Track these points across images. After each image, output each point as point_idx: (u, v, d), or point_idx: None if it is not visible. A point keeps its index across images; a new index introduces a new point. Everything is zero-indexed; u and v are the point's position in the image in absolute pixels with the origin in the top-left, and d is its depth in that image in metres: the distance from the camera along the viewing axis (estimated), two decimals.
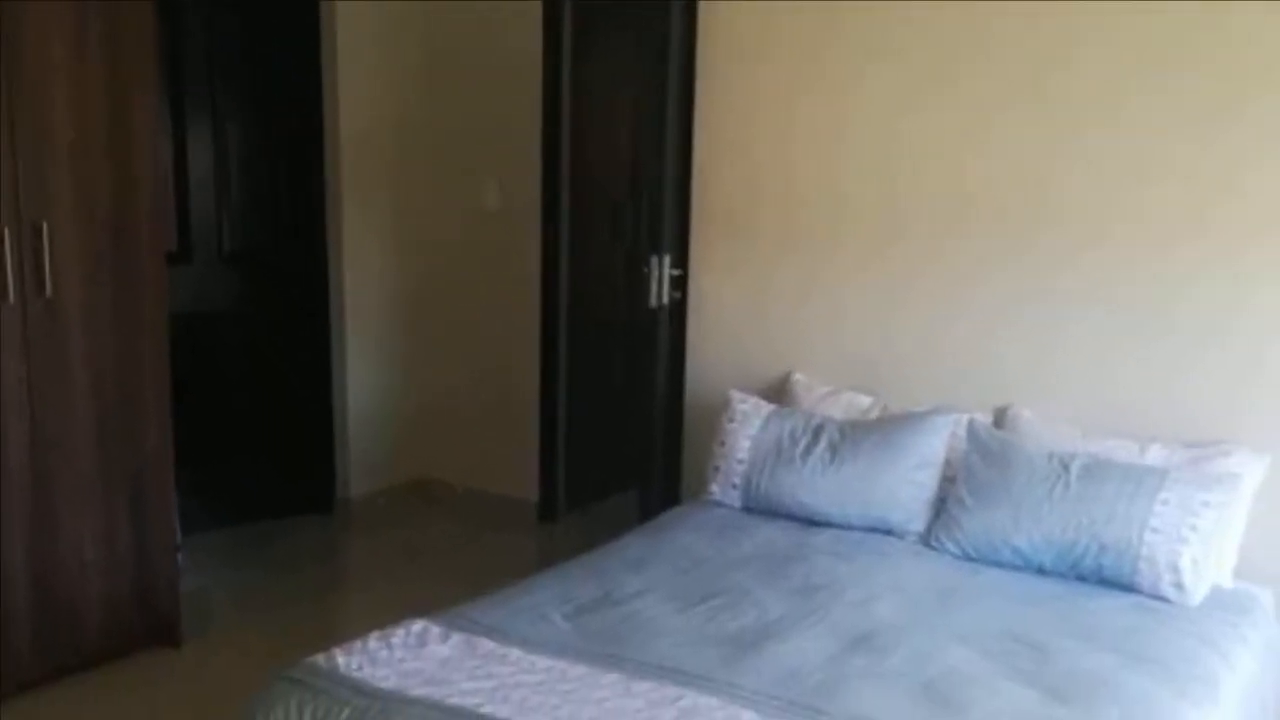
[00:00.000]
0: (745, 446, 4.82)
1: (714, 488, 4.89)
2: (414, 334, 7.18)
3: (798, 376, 5.23)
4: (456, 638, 3.42)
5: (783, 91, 5.23)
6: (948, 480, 4.57)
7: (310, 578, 6.14)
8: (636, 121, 6.54)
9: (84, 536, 4.71)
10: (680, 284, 5.49)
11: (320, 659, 3.27)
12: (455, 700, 3.04)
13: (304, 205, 6.70)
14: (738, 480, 4.82)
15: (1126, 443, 4.41)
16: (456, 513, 7.06)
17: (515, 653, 3.34)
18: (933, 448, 4.59)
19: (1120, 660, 3.45)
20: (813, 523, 4.62)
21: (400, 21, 6.83)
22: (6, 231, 4.30)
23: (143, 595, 4.95)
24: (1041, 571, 4.19)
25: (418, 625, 3.50)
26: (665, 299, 5.45)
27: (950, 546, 4.37)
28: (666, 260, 5.42)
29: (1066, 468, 4.21)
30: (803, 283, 5.26)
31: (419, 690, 3.09)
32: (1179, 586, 3.94)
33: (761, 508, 4.76)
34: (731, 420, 4.91)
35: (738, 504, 4.83)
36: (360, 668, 3.21)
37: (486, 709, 3.00)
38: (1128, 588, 4.02)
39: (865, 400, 5.00)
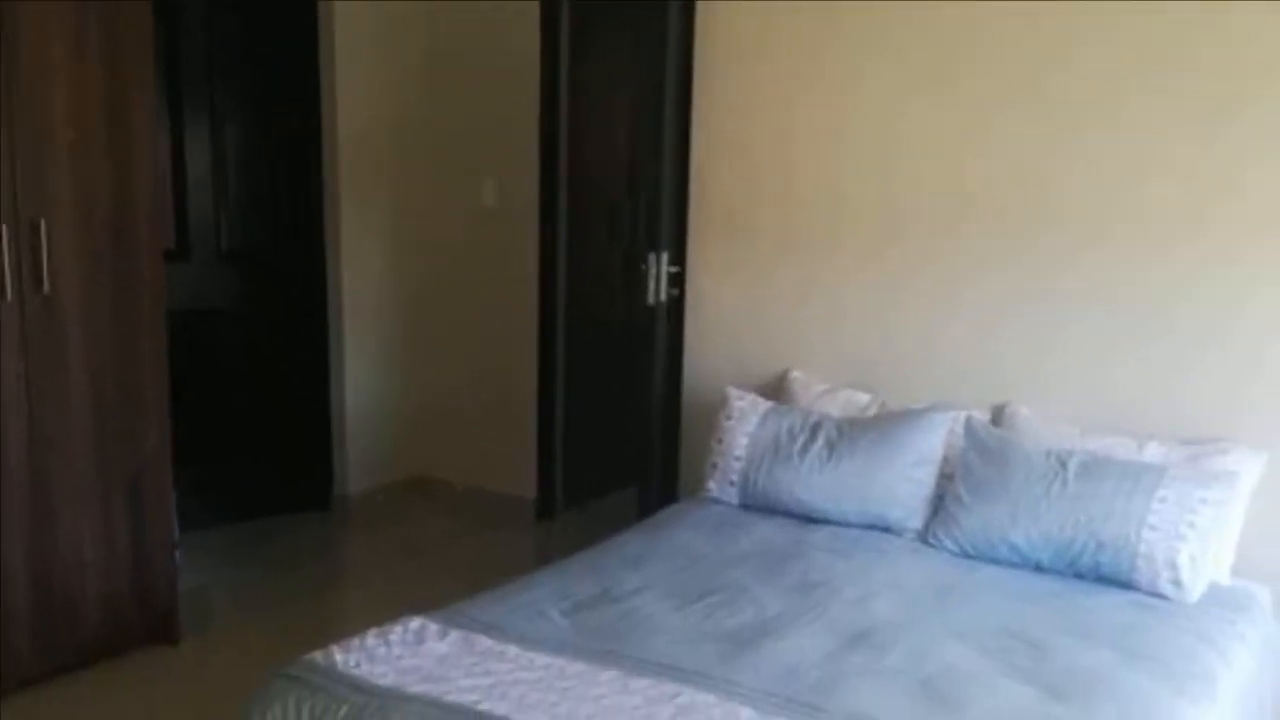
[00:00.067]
0: (743, 444, 4.82)
1: (711, 485, 4.90)
2: (412, 332, 7.18)
3: (795, 374, 5.23)
4: (454, 635, 3.42)
5: (781, 91, 5.23)
6: (945, 478, 4.57)
7: (308, 575, 6.14)
8: (634, 120, 6.54)
9: (83, 534, 4.71)
10: (678, 281, 5.49)
11: (318, 656, 3.27)
12: (453, 697, 3.04)
13: (302, 203, 6.70)
14: (735, 477, 4.82)
15: (1124, 440, 4.41)
16: (454, 510, 7.07)
17: (513, 650, 3.34)
18: (931, 445, 4.59)
19: (1118, 657, 3.45)
20: (810, 520, 4.63)
21: (398, 21, 6.83)
22: (4, 229, 4.30)
23: (141, 593, 4.95)
24: (1039, 569, 4.19)
25: (416, 622, 3.50)
26: (663, 296, 5.45)
27: (948, 544, 4.37)
28: (664, 258, 5.42)
29: (1064, 465, 4.21)
30: (801, 281, 5.27)
31: (417, 687, 3.09)
32: (1177, 584, 3.94)
33: (759, 505, 4.76)
34: (729, 417, 4.91)
35: (735, 501, 4.83)
36: (358, 665, 3.21)
37: (484, 706, 3.00)
38: (1125, 585, 4.03)
39: (863, 398, 5.00)
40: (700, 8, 5.32)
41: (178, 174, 6.18)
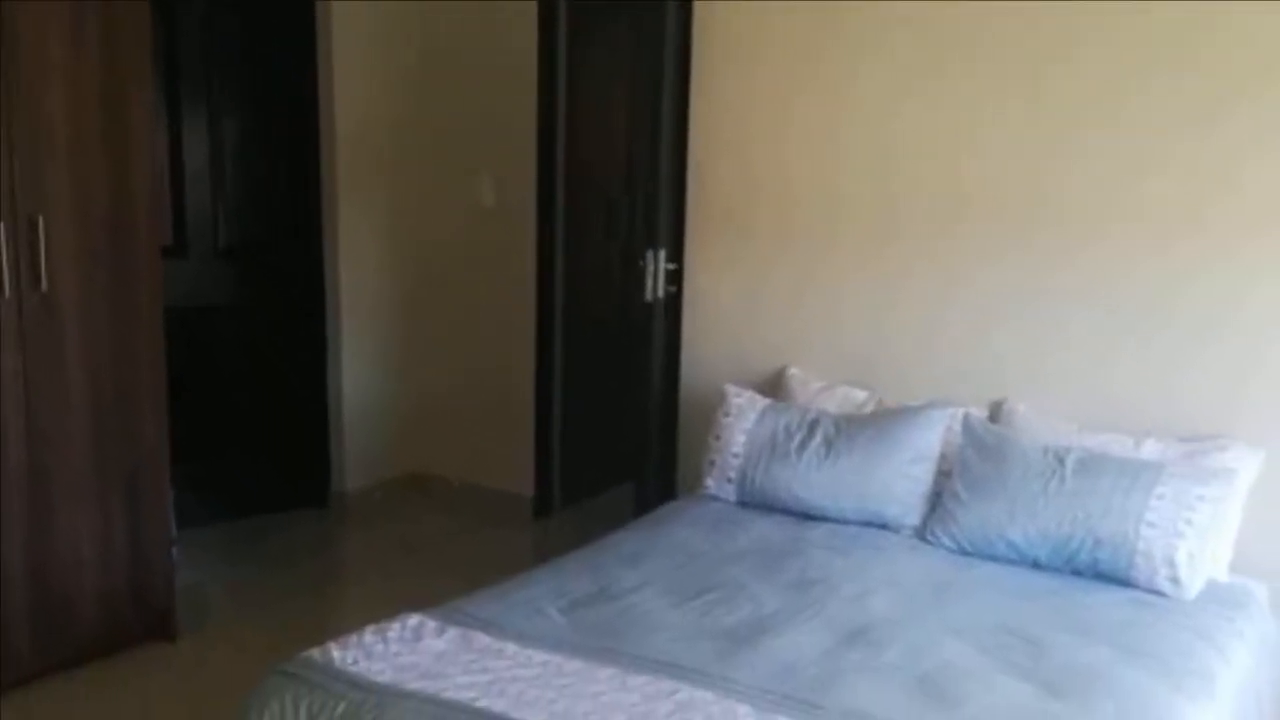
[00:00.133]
0: (740, 441, 4.82)
1: (709, 482, 4.90)
2: (410, 329, 7.18)
3: (793, 371, 5.23)
4: (452, 632, 3.42)
5: (779, 89, 5.23)
6: (943, 474, 4.57)
7: (306, 572, 6.14)
8: (632, 118, 6.53)
9: (80, 531, 4.71)
10: (675, 279, 5.48)
11: (316, 653, 3.27)
12: (451, 694, 3.04)
13: (300, 201, 6.70)
14: (733, 474, 4.82)
15: (1122, 437, 4.41)
16: (452, 507, 7.06)
17: (511, 647, 3.34)
18: (928, 442, 4.59)
19: (1116, 654, 3.45)
20: (808, 517, 4.63)
21: (397, 19, 6.83)
22: (2, 226, 4.30)
23: (139, 590, 4.95)
24: (1037, 566, 4.19)
25: (413, 619, 3.50)
26: (660, 293, 5.44)
27: (945, 541, 4.37)
28: (662, 255, 5.42)
29: (1062, 462, 4.21)
30: (799, 278, 5.27)
31: (414, 684, 3.09)
32: (1174, 581, 3.95)
33: (757, 502, 4.76)
34: (727, 414, 4.91)
35: (733, 498, 4.83)
36: (356, 662, 3.22)
37: (482, 703, 3.00)
38: (1123, 582, 4.03)
39: (861, 395, 5.00)
40: (698, 7, 5.32)
41: (175, 171, 6.17)
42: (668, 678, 3.17)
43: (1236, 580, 4.22)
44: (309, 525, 6.77)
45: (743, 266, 5.40)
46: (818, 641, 3.48)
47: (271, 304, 6.68)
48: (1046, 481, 4.18)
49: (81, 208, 4.54)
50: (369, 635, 3.38)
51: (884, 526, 4.55)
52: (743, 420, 4.86)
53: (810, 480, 4.63)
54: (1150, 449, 4.34)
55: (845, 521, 4.58)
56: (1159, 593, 3.96)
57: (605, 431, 6.75)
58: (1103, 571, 4.06)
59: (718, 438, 4.90)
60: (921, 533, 4.49)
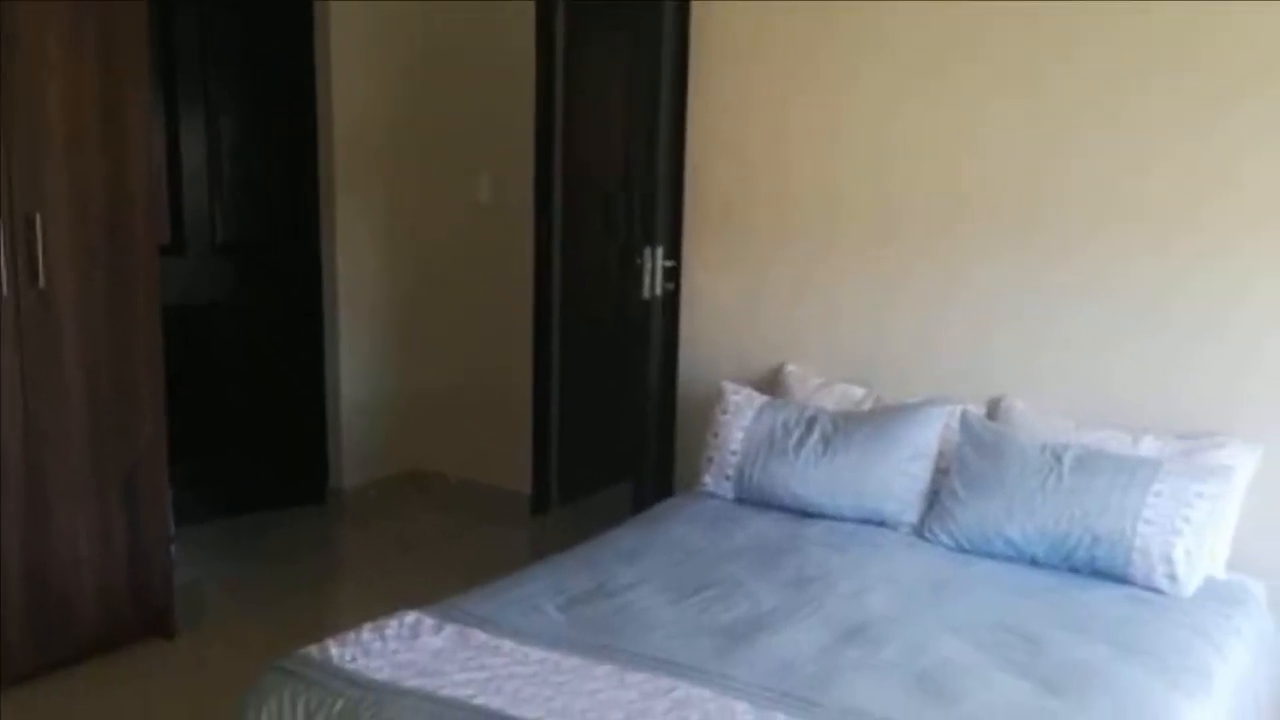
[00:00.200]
0: (738, 438, 4.82)
1: (707, 479, 4.90)
2: (407, 326, 7.18)
3: (791, 368, 5.23)
4: (449, 629, 3.43)
5: (776, 88, 5.23)
6: (941, 472, 4.57)
7: (304, 570, 6.14)
8: (629, 116, 6.52)
9: (78, 529, 4.71)
10: (673, 276, 5.48)
11: (313, 650, 3.27)
12: (448, 691, 3.04)
13: (298, 198, 6.70)
14: (731, 472, 4.82)
15: (1120, 434, 4.41)
16: (449, 504, 7.07)
17: (508, 644, 3.34)
18: (926, 439, 4.59)
19: (1113, 651, 3.45)
20: (806, 514, 4.63)
21: (395, 16, 6.82)
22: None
23: (137, 588, 4.95)
24: (1034, 563, 4.19)
25: (411, 617, 3.50)
26: (658, 291, 5.44)
27: (943, 538, 4.37)
28: (659, 252, 5.42)
29: (1059, 459, 4.21)
30: (797, 275, 5.27)
31: (412, 681, 3.09)
32: (1172, 578, 3.95)
33: (754, 499, 4.76)
34: (724, 412, 4.91)
35: (731, 495, 4.83)
36: (353, 659, 3.22)
37: (479, 700, 3.00)
38: (1121, 579, 4.03)
39: (858, 392, 5.00)
40: (695, 7, 5.32)
41: (173, 169, 6.18)
42: (665, 675, 3.17)
43: (1234, 577, 4.22)
44: (307, 522, 6.77)
45: (741, 264, 5.40)
46: (816, 639, 3.48)
47: (269, 302, 6.69)
48: (1044, 479, 4.18)
49: (79, 206, 4.55)
50: (367, 632, 3.38)
51: (882, 524, 4.55)
52: (740, 417, 4.86)
53: (808, 477, 4.63)
54: (1148, 446, 4.34)
55: (843, 519, 4.58)
56: (1156, 590, 3.96)
57: (603, 428, 6.76)
58: (1100, 569, 4.06)
59: (715, 435, 4.90)
60: (919, 530, 4.49)
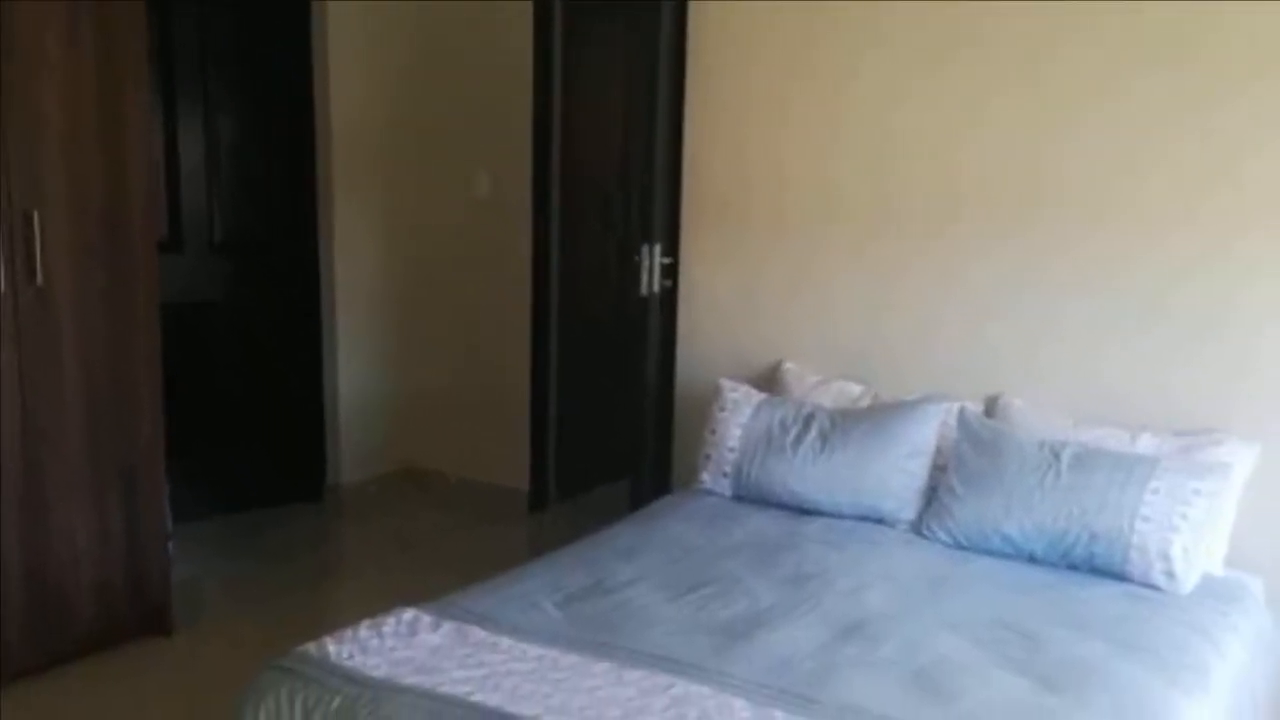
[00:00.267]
0: (736, 435, 4.82)
1: (705, 476, 4.90)
2: (405, 323, 7.19)
3: (789, 365, 5.23)
4: (447, 626, 3.42)
5: (774, 85, 5.23)
6: (939, 469, 4.57)
7: (301, 567, 6.14)
8: (627, 113, 6.52)
9: (76, 526, 4.71)
10: (671, 272, 5.48)
11: (311, 648, 3.26)
12: (446, 689, 3.04)
13: (295, 195, 6.70)
14: (728, 469, 4.82)
15: (1117, 431, 4.41)
16: (447, 502, 7.08)
17: (506, 641, 3.34)
18: (924, 436, 4.60)
19: (1111, 649, 3.45)
20: (804, 511, 4.63)
21: (392, 16, 6.84)
22: None
23: (134, 584, 4.95)
24: (1032, 560, 4.19)
25: (408, 614, 3.49)
26: (656, 287, 5.45)
27: (941, 535, 4.37)
28: (657, 249, 5.42)
29: (1057, 456, 4.21)
30: (794, 272, 5.27)
31: (410, 679, 3.09)
32: (1170, 575, 3.95)
33: (752, 496, 4.77)
34: (722, 409, 4.91)
35: (728, 493, 4.83)
36: (351, 656, 3.21)
37: (477, 697, 3.00)
38: (1119, 576, 4.03)
39: (856, 389, 5.00)
40: (693, 6, 5.32)
41: (171, 166, 6.18)
42: (663, 672, 3.17)
43: (1231, 574, 4.23)
44: (305, 520, 6.78)
45: (738, 261, 5.40)
46: (814, 636, 3.48)
47: (267, 299, 6.69)
48: (1042, 476, 4.18)
49: (77, 203, 4.55)
50: (364, 630, 3.38)
51: (879, 521, 4.55)
52: (738, 415, 4.86)
53: (806, 475, 4.63)
54: (1145, 443, 4.34)
55: (841, 516, 4.58)
56: (1154, 587, 3.97)
57: (601, 426, 6.75)
58: (1098, 566, 4.07)
59: (713, 432, 4.90)
60: (917, 527, 4.49)
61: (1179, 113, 4.39)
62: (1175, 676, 3.32)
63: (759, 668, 3.24)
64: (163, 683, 4.75)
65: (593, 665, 3.21)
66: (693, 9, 5.32)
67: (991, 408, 4.75)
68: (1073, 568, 4.12)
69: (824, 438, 4.65)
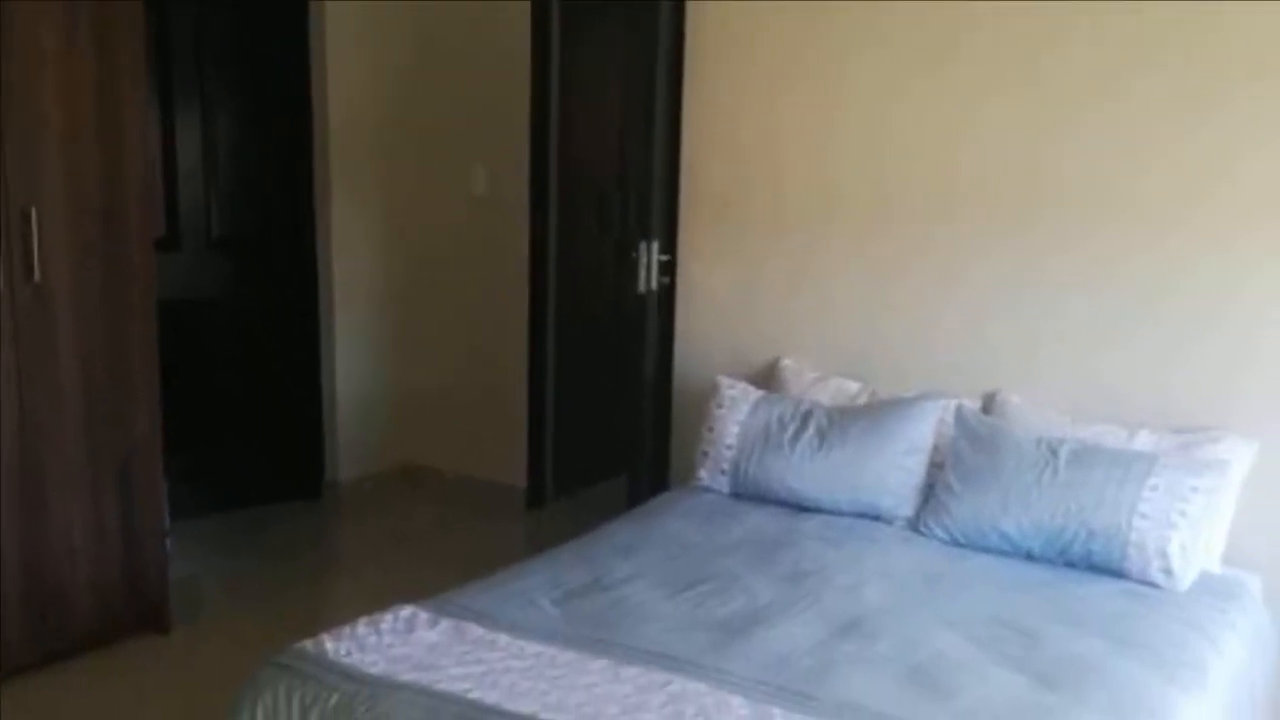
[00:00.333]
0: (734, 432, 4.82)
1: (702, 474, 4.89)
2: (403, 320, 7.18)
3: (786, 362, 5.23)
4: (445, 623, 3.42)
5: (772, 82, 5.23)
6: (936, 466, 4.57)
7: (299, 564, 6.14)
8: (625, 109, 6.54)
9: (73, 523, 4.71)
10: (668, 269, 5.48)
11: (309, 645, 3.26)
12: (444, 686, 3.04)
13: (293, 192, 6.70)
14: (726, 466, 4.82)
15: (1115, 429, 4.41)
16: (445, 499, 7.07)
17: (504, 638, 3.34)
18: (921, 433, 4.60)
19: (1109, 646, 3.45)
20: (801, 508, 4.63)
21: (390, 13, 6.82)
22: None
23: (132, 581, 4.95)
24: (1030, 557, 4.19)
25: (406, 611, 3.49)
26: (654, 285, 5.44)
27: (939, 532, 4.37)
28: (655, 246, 5.42)
29: (1055, 453, 4.21)
30: (792, 269, 5.26)
31: (407, 675, 3.09)
32: (1168, 572, 3.95)
33: (750, 493, 4.76)
34: (720, 406, 4.91)
35: (726, 490, 4.83)
36: (349, 653, 3.21)
37: (475, 694, 3.00)
38: (1116, 573, 4.03)
39: (854, 386, 5.00)
40: (690, 6, 5.32)
41: (168, 163, 6.17)
42: (661, 669, 3.17)
43: (1229, 572, 4.23)
44: (302, 517, 6.78)
45: (736, 258, 5.40)
46: (811, 633, 3.48)
47: (265, 296, 6.69)
48: (1040, 473, 4.18)
49: (74, 200, 4.55)
50: (362, 627, 3.38)
51: (877, 518, 4.55)
52: (736, 412, 4.85)
53: (803, 472, 4.63)
54: (1143, 440, 4.34)
55: (838, 513, 4.58)
56: (1152, 584, 3.97)
57: (598, 422, 6.76)
58: (1096, 563, 4.07)
59: (711, 429, 4.90)
60: (915, 524, 4.49)
61: (1177, 112, 4.38)
62: (1173, 674, 3.33)
63: (756, 665, 3.24)
64: (160, 680, 4.75)
65: (590, 662, 3.21)
66: (691, 9, 5.31)
67: (989, 405, 4.74)
68: (1070, 565, 4.12)
69: (822, 435, 4.65)
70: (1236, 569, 4.25)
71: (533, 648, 3.29)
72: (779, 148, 5.24)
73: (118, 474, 4.84)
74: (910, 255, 4.98)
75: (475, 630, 3.39)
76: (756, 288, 5.36)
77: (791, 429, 4.71)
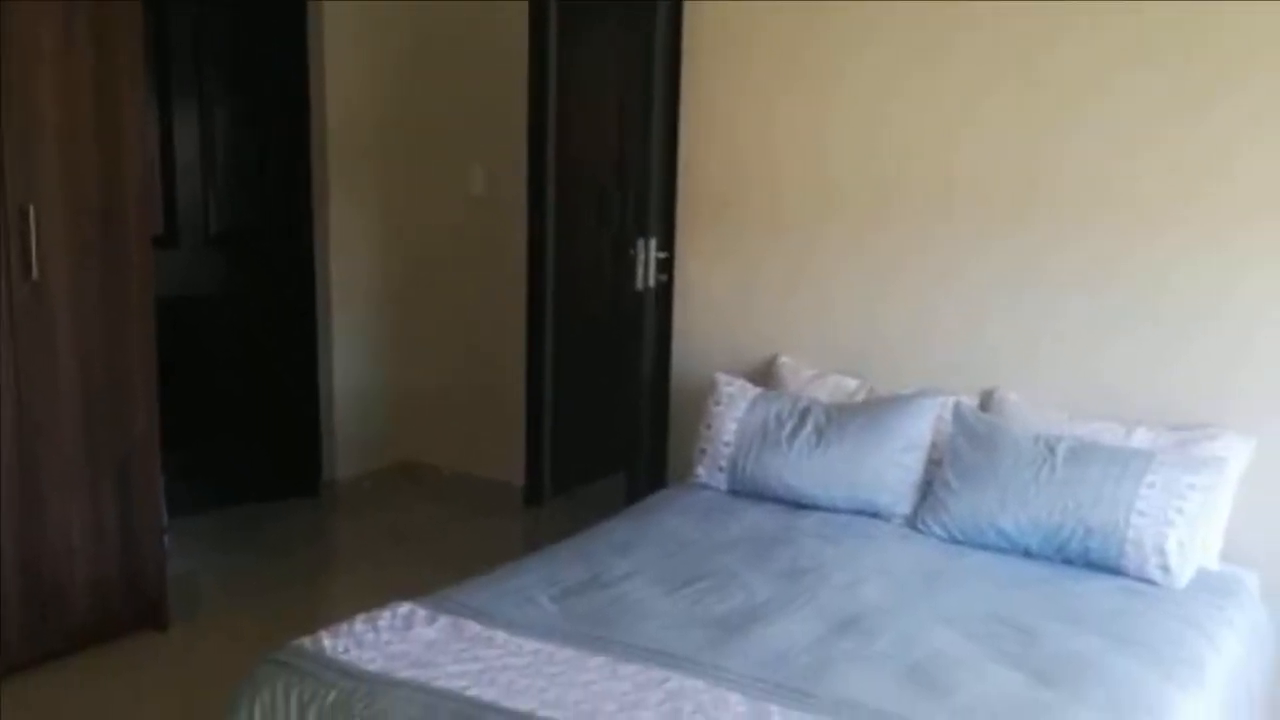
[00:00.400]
0: (731, 429, 4.82)
1: (700, 471, 4.89)
2: (400, 318, 7.18)
3: (784, 359, 5.23)
4: (443, 620, 3.42)
5: (769, 81, 5.23)
6: (934, 463, 4.57)
7: (297, 561, 6.14)
8: (622, 108, 6.54)
9: (71, 520, 4.71)
10: (666, 267, 5.48)
11: (307, 642, 3.26)
12: (441, 683, 3.04)
13: (291, 189, 6.70)
14: (724, 463, 4.82)
15: (1113, 426, 4.41)
16: (442, 496, 7.07)
17: (502, 635, 3.34)
18: (919, 430, 4.60)
19: (1106, 643, 3.45)
20: (799, 505, 4.63)
21: (388, 10, 6.82)
22: None
23: (130, 578, 4.95)
24: (1028, 554, 4.19)
25: (404, 608, 3.49)
26: (651, 282, 5.45)
27: (936, 529, 4.37)
28: (653, 244, 5.42)
29: (1053, 450, 4.21)
30: (790, 266, 5.26)
31: (405, 672, 3.09)
32: (1165, 569, 3.95)
33: (748, 491, 4.76)
34: (718, 403, 4.91)
35: (724, 487, 4.83)
36: (347, 650, 3.21)
37: (473, 691, 3.00)
38: (1114, 570, 4.03)
39: (852, 383, 5.00)
40: (688, 6, 5.33)
41: (166, 160, 6.17)
42: (659, 666, 3.17)
43: (1227, 569, 4.23)
44: (300, 514, 6.77)
45: (734, 255, 5.40)
46: (809, 630, 3.48)
47: (263, 293, 6.68)
48: (1037, 470, 4.18)
49: (72, 197, 4.55)
50: (360, 624, 3.38)
51: (875, 515, 4.55)
52: (734, 409, 4.86)
53: (801, 469, 4.63)
54: (1141, 437, 4.34)
55: (836, 510, 4.58)
56: (1149, 581, 3.97)
57: (596, 420, 6.76)
58: (1093, 560, 4.07)
59: (709, 426, 4.90)
60: (912, 521, 4.49)
61: (1175, 110, 4.38)
62: (1170, 671, 3.33)
63: (754, 662, 3.24)
64: (158, 677, 4.75)
65: (588, 659, 3.21)
66: (688, 8, 5.32)
67: (987, 402, 4.74)
68: (1068, 562, 4.12)
69: (819, 432, 4.65)
70: (1234, 566, 4.25)
71: (531, 645, 3.29)
72: (776, 146, 5.24)
73: (116, 471, 4.84)
74: (908, 253, 4.98)
75: (473, 627, 3.39)
76: (754, 285, 5.36)
77: (789, 426, 4.71)
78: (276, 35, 6.54)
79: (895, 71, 4.92)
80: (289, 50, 6.59)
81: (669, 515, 4.54)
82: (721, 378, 5.01)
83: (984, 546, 4.25)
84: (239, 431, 6.71)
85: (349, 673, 3.09)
